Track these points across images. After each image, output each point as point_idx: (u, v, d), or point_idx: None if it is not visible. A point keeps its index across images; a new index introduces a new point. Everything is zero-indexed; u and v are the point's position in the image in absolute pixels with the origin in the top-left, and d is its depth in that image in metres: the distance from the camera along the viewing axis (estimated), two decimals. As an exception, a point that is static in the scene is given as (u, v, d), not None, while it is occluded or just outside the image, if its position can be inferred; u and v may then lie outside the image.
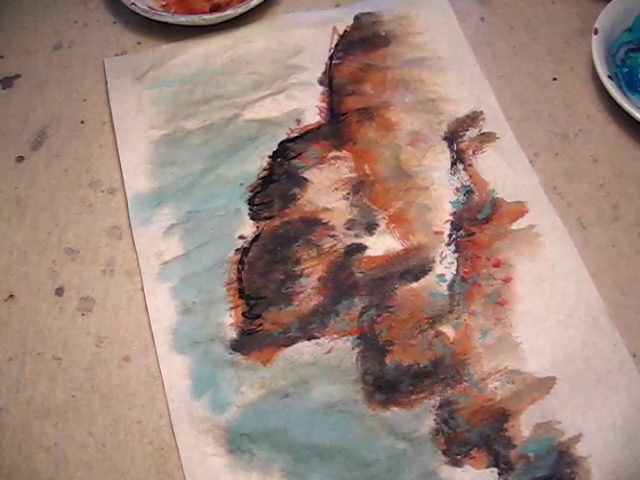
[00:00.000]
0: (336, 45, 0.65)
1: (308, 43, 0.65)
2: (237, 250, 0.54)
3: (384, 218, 0.56)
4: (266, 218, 0.56)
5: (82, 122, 0.61)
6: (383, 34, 0.65)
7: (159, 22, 0.64)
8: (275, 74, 0.63)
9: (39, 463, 0.47)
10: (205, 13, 0.66)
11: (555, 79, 0.64)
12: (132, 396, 0.49)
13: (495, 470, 0.46)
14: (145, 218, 0.56)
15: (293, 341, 0.51)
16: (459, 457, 0.47)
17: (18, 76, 0.64)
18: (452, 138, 0.60)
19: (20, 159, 0.59)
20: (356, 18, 0.66)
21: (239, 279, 0.53)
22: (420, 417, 0.48)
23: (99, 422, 0.48)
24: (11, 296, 0.53)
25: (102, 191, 0.58)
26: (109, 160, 0.59)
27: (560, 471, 0.46)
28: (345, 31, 0.66)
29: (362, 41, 0.65)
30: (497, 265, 0.54)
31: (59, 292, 0.53)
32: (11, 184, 0.58)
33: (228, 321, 0.51)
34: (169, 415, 0.48)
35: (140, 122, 0.60)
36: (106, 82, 0.62)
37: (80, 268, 0.54)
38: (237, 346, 0.50)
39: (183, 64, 0.63)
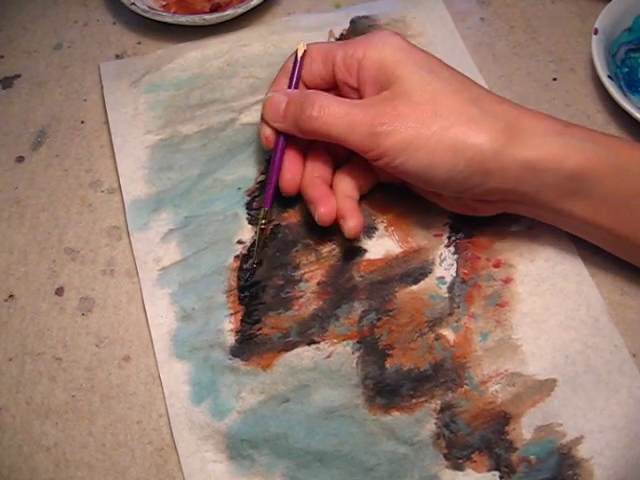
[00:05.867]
0: (333, 48, 0.64)
1: None
2: (236, 257, 0.54)
3: (383, 222, 0.55)
4: (264, 222, 0.56)
5: (82, 122, 0.61)
6: (380, 37, 0.65)
7: (159, 22, 0.64)
8: (272, 78, 0.62)
9: (39, 463, 0.47)
10: (205, 13, 0.66)
11: (555, 79, 0.64)
12: (132, 396, 0.49)
13: (497, 473, 0.46)
14: (143, 224, 0.55)
15: (293, 346, 0.50)
16: (460, 461, 0.47)
17: (18, 76, 0.64)
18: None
19: (20, 159, 0.59)
20: (352, 22, 0.66)
21: (238, 286, 0.53)
22: (421, 421, 0.48)
23: (99, 422, 0.48)
24: (11, 296, 0.53)
25: (102, 191, 0.58)
26: (109, 160, 0.59)
27: (562, 473, 0.46)
28: (342, 34, 0.65)
29: (359, 44, 0.65)
30: (497, 265, 0.54)
31: (59, 292, 0.53)
32: (11, 184, 0.58)
33: (228, 327, 0.51)
34: (169, 416, 0.48)
35: (136, 127, 0.60)
36: (102, 86, 0.62)
37: (80, 268, 0.54)
38: (237, 352, 0.50)
39: (179, 68, 0.63)
